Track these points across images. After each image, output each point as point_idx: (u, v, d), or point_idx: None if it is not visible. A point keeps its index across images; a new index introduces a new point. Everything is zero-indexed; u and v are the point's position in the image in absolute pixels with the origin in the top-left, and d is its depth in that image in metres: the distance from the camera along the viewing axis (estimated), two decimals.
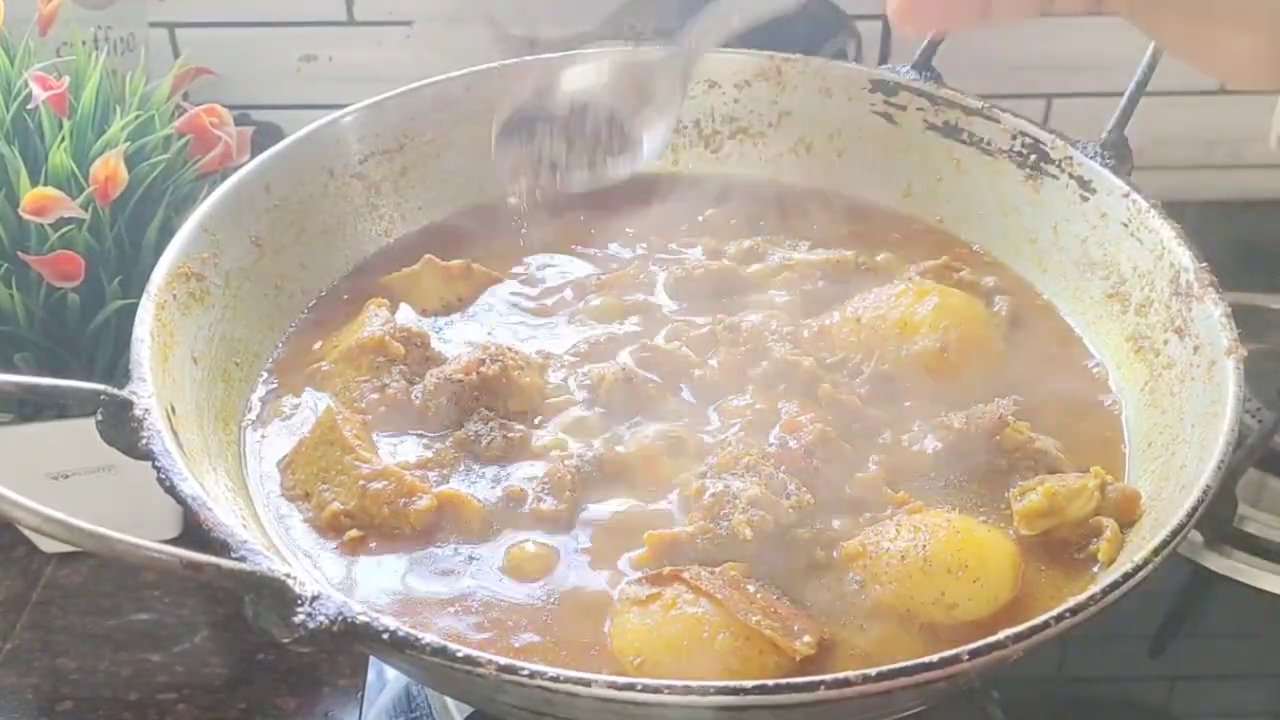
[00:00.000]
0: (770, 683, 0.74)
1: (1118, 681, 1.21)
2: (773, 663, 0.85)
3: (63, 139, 1.16)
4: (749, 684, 0.74)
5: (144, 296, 1.01)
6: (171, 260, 1.05)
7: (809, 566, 0.94)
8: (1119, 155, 1.18)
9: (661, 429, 1.05)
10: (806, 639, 0.86)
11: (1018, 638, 0.77)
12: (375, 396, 1.07)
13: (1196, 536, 1.27)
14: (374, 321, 1.13)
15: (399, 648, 0.76)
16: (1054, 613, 0.79)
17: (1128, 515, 0.97)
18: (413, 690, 1.15)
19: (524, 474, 1.01)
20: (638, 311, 1.19)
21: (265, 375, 1.12)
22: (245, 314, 1.12)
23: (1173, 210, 1.12)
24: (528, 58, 1.36)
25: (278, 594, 0.76)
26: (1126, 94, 1.18)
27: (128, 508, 1.06)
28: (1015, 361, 1.13)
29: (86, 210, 1.13)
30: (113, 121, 1.20)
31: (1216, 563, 1.26)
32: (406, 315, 1.19)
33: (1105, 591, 0.81)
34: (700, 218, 1.33)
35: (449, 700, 1.11)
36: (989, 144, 1.26)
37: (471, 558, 0.95)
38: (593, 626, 0.90)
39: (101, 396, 0.88)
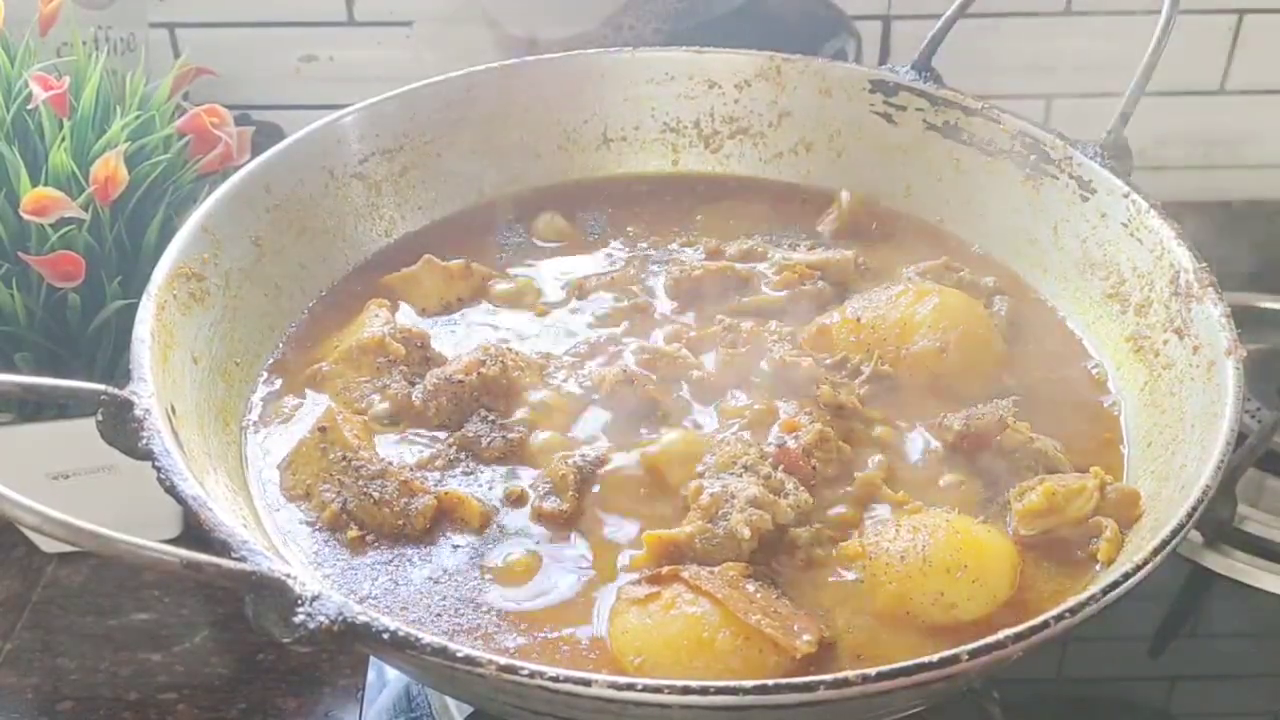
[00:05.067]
0: (770, 683, 0.74)
1: (1118, 681, 1.21)
2: (773, 662, 0.85)
3: (63, 139, 1.16)
4: (749, 684, 0.74)
5: (144, 296, 1.01)
6: (172, 260, 1.05)
7: (808, 566, 0.94)
8: (1119, 155, 1.18)
9: (661, 429, 1.05)
10: (807, 638, 0.86)
11: (1018, 638, 0.77)
12: (375, 397, 1.07)
13: (1196, 536, 1.27)
14: (374, 322, 1.13)
15: (399, 647, 0.76)
16: (1054, 613, 0.79)
17: (1127, 515, 0.97)
18: (413, 690, 1.15)
19: (524, 474, 1.02)
20: (637, 312, 1.19)
21: (265, 375, 1.12)
22: (245, 314, 1.12)
23: (1172, 210, 1.13)
24: (528, 58, 1.36)
25: (278, 594, 0.76)
26: (1126, 94, 1.18)
27: (128, 508, 1.06)
28: (1015, 361, 1.13)
29: (86, 210, 1.14)
30: (113, 121, 1.20)
31: (1216, 563, 1.26)
32: (406, 315, 1.19)
33: (1105, 591, 0.81)
34: (700, 218, 1.33)
35: (449, 700, 1.11)
36: (989, 144, 1.26)
37: (472, 558, 0.95)
38: (593, 626, 0.90)
39: (102, 396, 0.88)
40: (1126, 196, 1.15)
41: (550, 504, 0.98)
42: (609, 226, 1.32)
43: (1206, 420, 0.96)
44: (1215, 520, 1.25)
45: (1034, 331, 1.18)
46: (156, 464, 0.86)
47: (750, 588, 0.90)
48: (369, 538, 0.96)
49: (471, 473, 1.02)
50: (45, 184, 1.14)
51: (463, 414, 1.05)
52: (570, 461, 1.00)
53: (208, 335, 1.06)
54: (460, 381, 1.06)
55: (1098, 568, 0.94)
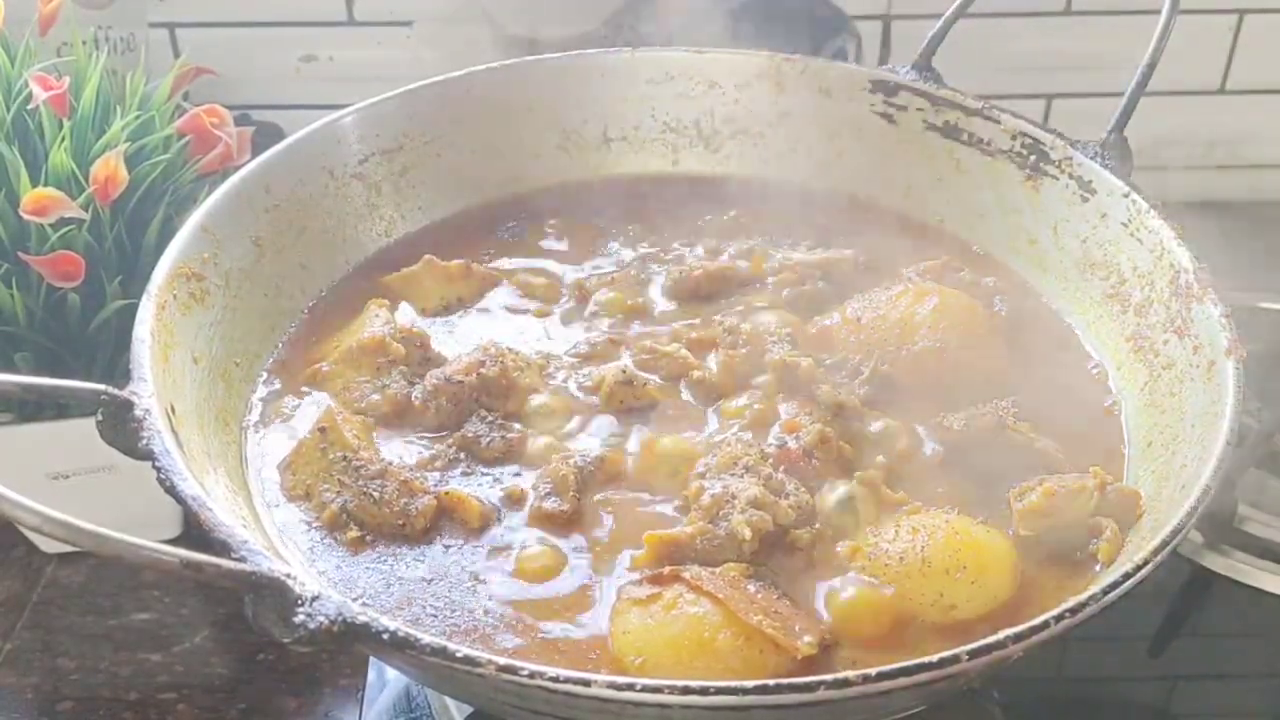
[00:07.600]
0: (770, 683, 0.74)
1: (1118, 681, 1.21)
2: (773, 662, 0.85)
3: (63, 139, 1.16)
4: (749, 684, 0.74)
5: (144, 296, 1.01)
6: (172, 260, 1.05)
7: (808, 566, 0.94)
8: (1119, 155, 1.18)
9: (661, 430, 1.05)
10: (808, 638, 0.86)
11: (1018, 638, 0.77)
12: (375, 397, 1.07)
13: (1196, 536, 1.27)
14: (374, 322, 1.13)
15: (399, 648, 0.76)
16: (1054, 613, 0.79)
17: (1127, 515, 0.97)
18: (413, 690, 1.15)
19: (525, 474, 1.02)
20: (637, 312, 1.19)
21: (265, 375, 1.12)
22: (245, 314, 1.12)
23: (1172, 210, 1.13)
24: (528, 58, 1.36)
25: (278, 594, 0.76)
26: (1126, 94, 1.18)
27: (128, 508, 1.06)
28: (1015, 361, 1.13)
29: (86, 210, 1.14)
30: (113, 121, 1.20)
31: (1216, 563, 1.26)
32: (406, 315, 1.19)
33: (1105, 591, 0.80)
34: (700, 218, 1.33)
35: (449, 700, 1.11)
36: (989, 144, 1.26)
37: (471, 558, 0.95)
38: (594, 626, 0.90)
39: (102, 396, 0.88)
40: (1126, 196, 1.15)
41: (551, 504, 0.98)
42: (609, 226, 1.32)
43: (1206, 420, 0.96)
44: (1215, 520, 1.26)
45: (1034, 332, 1.18)
46: (156, 464, 0.86)
47: (751, 588, 0.90)
48: (368, 538, 0.96)
49: (471, 473, 1.02)
50: (45, 184, 1.14)
51: (462, 414, 1.05)
52: (571, 462, 1.00)
53: (208, 335, 1.06)
54: (460, 382, 1.06)
55: (1098, 568, 0.94)
